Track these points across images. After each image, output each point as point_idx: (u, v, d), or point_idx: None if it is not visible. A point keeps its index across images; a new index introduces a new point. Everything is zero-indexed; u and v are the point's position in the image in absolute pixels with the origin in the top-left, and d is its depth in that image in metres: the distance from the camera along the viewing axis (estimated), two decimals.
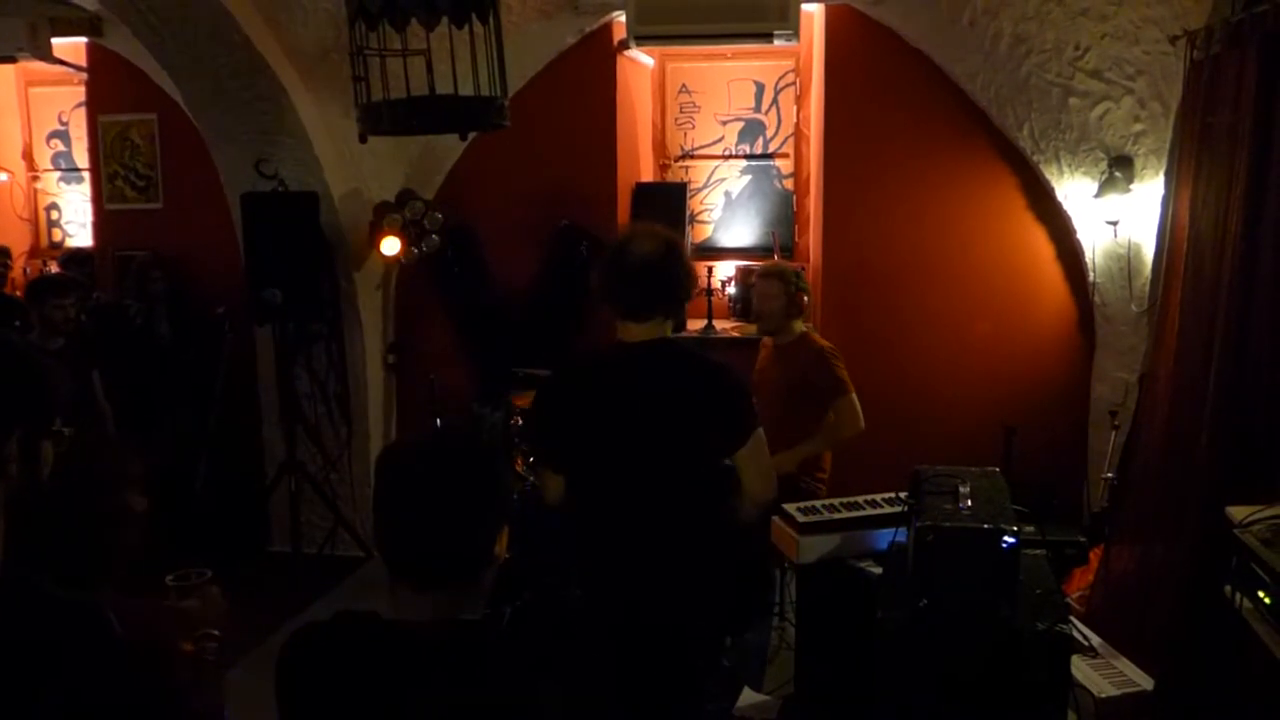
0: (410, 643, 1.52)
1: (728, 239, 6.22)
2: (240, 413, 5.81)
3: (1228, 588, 2.97)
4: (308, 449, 5.84)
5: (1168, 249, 4.52)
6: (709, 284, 5.81)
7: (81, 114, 6.77)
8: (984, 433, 5.01)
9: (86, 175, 6.89)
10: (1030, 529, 3.32)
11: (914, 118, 5.39)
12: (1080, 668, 3.67)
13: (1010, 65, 4.97)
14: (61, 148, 7.14)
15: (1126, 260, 5.00)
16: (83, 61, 6.48)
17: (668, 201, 5.82)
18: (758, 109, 6.13)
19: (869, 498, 3.96)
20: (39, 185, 7.19)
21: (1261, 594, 2.81)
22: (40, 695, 1.29)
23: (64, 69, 6.44)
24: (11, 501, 1.39)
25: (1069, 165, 5.06)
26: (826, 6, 5.42)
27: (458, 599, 1.57)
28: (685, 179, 6.17)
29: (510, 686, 1.51)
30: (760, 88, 6.11)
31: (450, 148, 5.66)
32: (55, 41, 6.18)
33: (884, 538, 3.63)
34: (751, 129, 6.16)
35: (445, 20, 3.33)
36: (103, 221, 6.64)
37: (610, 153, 5.74)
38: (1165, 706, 3.62)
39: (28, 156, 7.16)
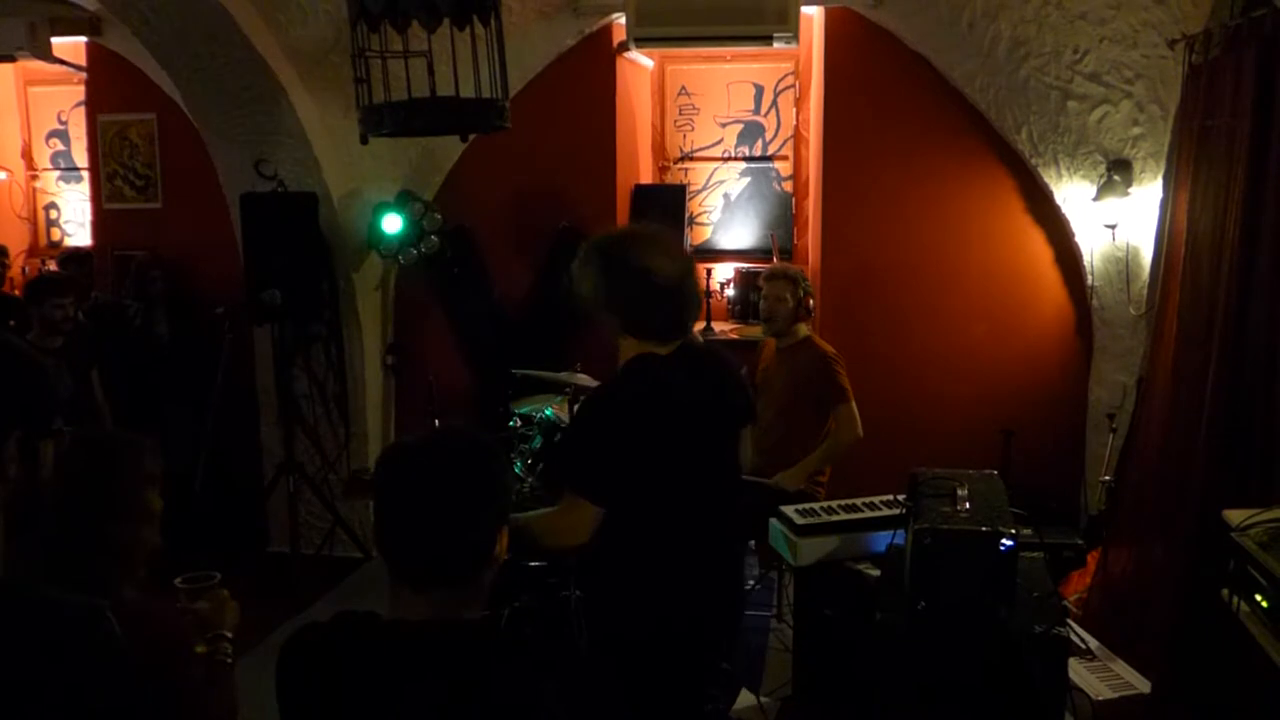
0: (411, 643, 1.52)
1: (727, 241, 6.23)
2: (239, 413, 5.80)
3: (1225, 591, 2.97)
4: (306, 449, 5.84)
5: (1166, 252, 4.53)
6: (708, 286, 5.82)
7: (81, 113, 6.77)
8: (982, 435, 5.02)
9: (85, 175, 6.88)
10: (1028, 532, 3.33)
11: (913, 120, 5.40)
12: (1077, 670, 3.68)
13: (1009, 68, 4.98)
14: (61, 147, 7.14)
15: (1125, 263, 5.00)
16: (82, 61, 6.47)
17: (667, 203, 5.82)
18: (757, 111, 6.14)
19: (867, 500, 3.97)
20: (38, 184, 7.19)
21: (1259, 597, 2.82)
22: (41, 698, 1.29)
23: (63, 68, 6.44)
24: (12, 502, 1.39)
25: (1067, 168, 5.06)
26: (826, 9, 5.42)
27: (458, 599, 1.57)
28: (684, 181, 6.17)
29: (511, 687, 1.51)
30: (759, 90, 6.12)
31: (449, 149, 5.66)
32: (55, 41, 6.17)
33: (882, 540, 3.64)
34: (751, 131, 6.16)
35: (446, 22, 3.33)
36: (101, 221, 6.64)
37: (609, 155, 5.74)
38: (1162, 709, 3.62)
39: (27, 156, 7.15)
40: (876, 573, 3.59)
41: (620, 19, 5.36)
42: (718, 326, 5.78)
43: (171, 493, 2.17)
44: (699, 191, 6.22)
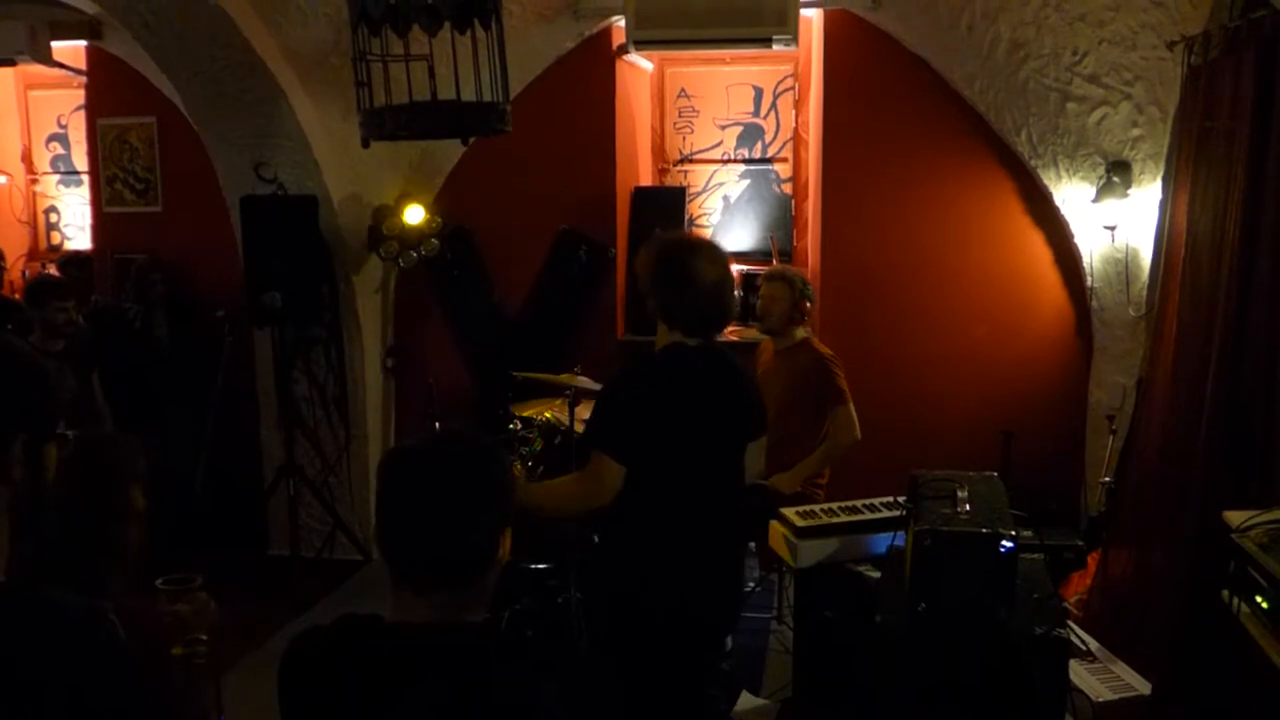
0: (413, 645, 1.53)
1: (726, 243, 6.21)
2: (239, 416, 5.80)
3: (1225, 592, 2.98)
4: (306, 452, 5.84)
5: (1165, 254, 4.54)
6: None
7: (81, 117, 6.77)
8: (982, 437, 5.02)
9: (85, 178, 6.88)
10: (1028, 533, 3.34)
11: (912, 122, 5.40)
12: (1078, 672, 3.68)
13: (1008, 70, 4.98)
14: (61, 151, 7.14)
15: (1124, 265, 5.01)
16: (82, 65, 6.47)
17: (666, 206, 5.83)
18: (756, 113, 6.14)
19: (867, 502, 3.97)
20: (38, 188, 7.18)
21: (1259, 598, 2.82)
22: (43, 700, 1.29)
23: (63, 72, 6.44)
24: (16, 506, 1.39)
25: (1067, 170, 5.07)
26: (825, 11, 5.43)
27: (460, 601, 1.57)
28: (684, 183, 6.17)
29: (512, 689, 1.51)
30: (759, 92, 6.12)
31: (449, 151, 5.67)
32: (55, 45, 6.17)
33: (882, 542, 3.64)
34: (750, 133, 6.16)
35: (447, 25, 3.33)
36: (101, 224, 6.64)
37: (609, 157, 5.74)
38: (1163, 711, 3.62)
39: (27, 159, 7.15)
40: (877, 574, 3.59)
41: (620, 22, 5.37)
42: None
43: (172, 495, 2.17)
44: (699, 194, 6.22)
